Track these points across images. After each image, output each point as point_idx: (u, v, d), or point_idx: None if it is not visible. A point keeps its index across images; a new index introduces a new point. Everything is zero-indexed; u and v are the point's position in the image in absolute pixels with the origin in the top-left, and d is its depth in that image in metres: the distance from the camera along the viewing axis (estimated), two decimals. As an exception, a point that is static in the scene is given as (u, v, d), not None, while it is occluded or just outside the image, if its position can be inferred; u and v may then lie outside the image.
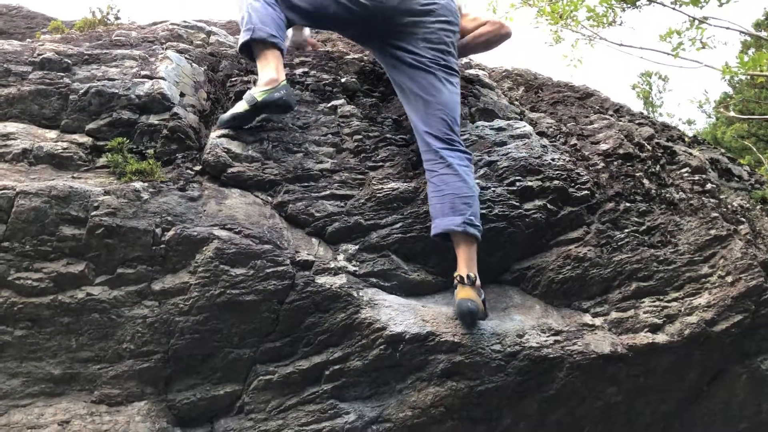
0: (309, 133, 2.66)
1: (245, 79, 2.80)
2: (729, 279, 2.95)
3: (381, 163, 2.68)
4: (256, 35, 2.53)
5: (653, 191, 3.10)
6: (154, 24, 3.26)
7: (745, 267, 2.96)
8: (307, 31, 3.21)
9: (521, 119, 3.13)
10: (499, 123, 2.96)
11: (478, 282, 2.47)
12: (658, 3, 6.85)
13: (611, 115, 3.61)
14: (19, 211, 2.09)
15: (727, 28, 6.63)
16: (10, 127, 2.34)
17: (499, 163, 2.78)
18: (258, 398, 2.30)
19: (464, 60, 3.63)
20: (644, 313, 2.85)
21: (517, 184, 2.74)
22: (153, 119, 2.44)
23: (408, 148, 2.75)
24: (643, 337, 2.79)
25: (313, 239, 2.46)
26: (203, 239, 2.21)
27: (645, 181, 3.12)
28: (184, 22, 3.20)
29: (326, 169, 2.58)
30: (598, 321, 2.78)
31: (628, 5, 7.25)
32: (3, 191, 2.10)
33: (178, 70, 2.64)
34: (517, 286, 2.81)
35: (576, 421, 2.86)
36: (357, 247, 2.50)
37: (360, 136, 2.72)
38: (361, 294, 2.40)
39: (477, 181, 2.70)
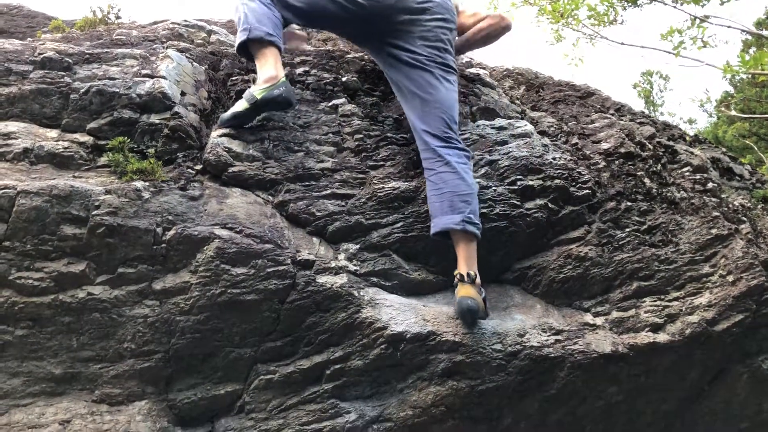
0: (310, 132, 2.66)
1: (246, 78, 2.80)
2: (730, 278, 2.94)
3: (382, 163, 2.68)
4: (253, 34, 2.52)
5: (654, 190, 3.10)
6: (155, 23, 3.26)
7: (747, 266, 2.96)
8: (304, 45, 3.21)
9: (522, 118, 3.13)
10: (500, 122, 2.96)
11: (478, 280, 2.47)
12: (659, 1, 6.85)
13: (612, 114, 3.60)
14: (20, 210, 2.09)
15: (729, 27, 6.63)
16: (11, 126, 2.34)
17: (500, 162, 2.78)
18: (259, 398, 2.30)
19: (465, 59, 3.63)
20: (645, 312, 2.85)
21: (518, 183, 2.74)
22: (154, 118, 2.44)
23: (409, 147, 2.75)
24: (644, 337, 2.79)
25: (314, 238, 2.46)
26: (204, 238, 2.21)
27: (646, 180, 3.12)
28: (185, 21, 3.20)
29: (327, 169, 2.58)
30: (599, 320, 2.78)
31: (629, 4, 7.25)
32: (4, 190, 2.10)
33: (179, 69, 2.64)
34: (518, 286, 2.81)
35: (577, 420, 2.86)
36: (358, 246, 2.50)
37: (361, 136, 2.72)
38: (362, 293, 2.39)
39: (478, 180, 2.69)
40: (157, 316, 2.19)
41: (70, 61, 2.51)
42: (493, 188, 2.72)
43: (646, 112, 4.80)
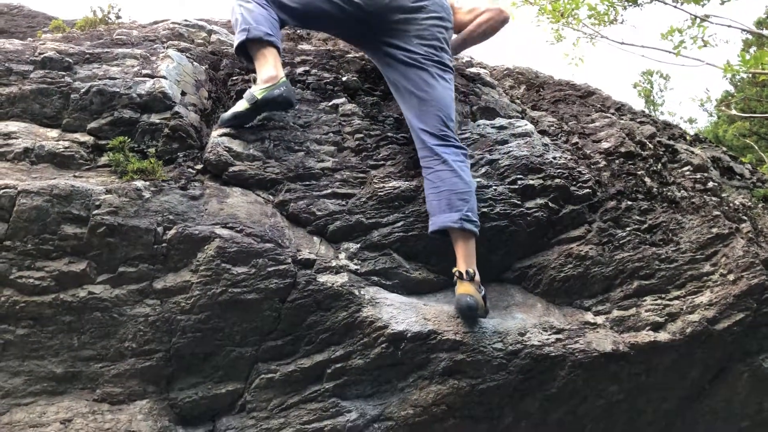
0: (310, 132, 2.66)
1: (246, 77, 2.80)
2: (731, 277, 2.94)
3: (382, 162, 2.68)
4: (251, 35, 2.52)
5: (655, 189, 3.10)
6: (155, 23, 3.26)
7: (747, 265, 2.96)
8: None
9: (522, 118, 3.13)
10: (500, 121, 2.96)
11: (477, 277, 2.47)
12: (659, 1, 6.85)
13: (612, 114, 3.61)
14: (21, 210, 2.09)
15: (729, 26, 6.63)
16: (12, 126, 2.34)
17: (500, 161, 2.78)
18: (260, 397, 2.30)
19: (465, 58, 3.63)
20: (646, 311, 2.85)
21: (519, 182, 2.74)
22: (154, 118, 2.44)
23: (409, 146, 2.75)
24: (645, 336, 2.79)
25: (315, 238, 2.46)
26: (205, 238, 2.21)
27: (646, 179, 3.12)
28: (185, 20, 3.20)
29: (327, 168, 2.58)
30: (599, 319, 2.78)
31: (630, 3, 7.25)
32: (5, 190, 2.10)
33: (180, 69, 2.64)
34: (518, 285, 2.81)
35: (578, 419, 2.86)
36: (358, 245, 2.50)
37: (361, 135, 2.72)
38: (362, 292, 2.40)
39: (479, 179, 2.70)
40: (158, 315, 2.20)
41: (70, 60, 2.51)
42: (494, 187, 2.72)
43: (647, 111, 4.80)
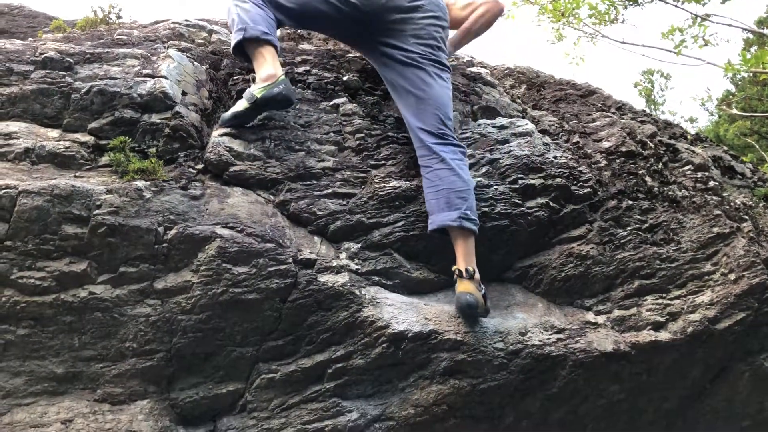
0: (311, 132, 2.66)
1: (247, 77, 2.80)
2: (732, 276, 2.94)
3: (383, 162, 2.68)
4: (249, 34, 2.52)
5: (656, 189, 3.10)
6: (156, 23, 3.26)
7: (748, 264, 2.95)
8: None
9: (523, 117, 3.13)
10: (501, 121, 2.96)
11: (477, 275, 2.47)
12: (660, 0, 6.84)
13: (613, 113, 3.60)
14: (22, 210, 2.09)
15: (730, 26, 6.62)
16: (13, 126, 2.34)
17: (501, 161, 2.78)
18: (260, 397, 2.30)
19: (466, 58, 3.62)
20: (647, 311, 2.85)
21: (520, 182, 2.74)
22: (155, 118, 2.44)
23: (410, 146, 2.74)
24: (646, 335, 2.78)
25: (316, 237, 2.46)
26: (205, 238, 2.21)
27: (647, 178, 3.12)
28: (186, 20, 3.20)
29: (328, 168, 2.58)
30: (600, 319, 2.78)
31: (630, 2, 7.25)
32: (5, 190, 2.10)
33: (180, 69, 2.64)
34: (519, 284, 2.81)
35: (578, 419, 2.86)
36: (359, 245, 2.50)
37: (362, 135, 2.72)
38: (363, 292, 2.40)
39: (479, 179, 2.69)
40: (159, 316, 2.20)
41: (71, 60, 2.51)
42: (495, 187, 2.72)
43: (647, 110, 4.80)
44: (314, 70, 2.92)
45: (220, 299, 2.20)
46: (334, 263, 2.39)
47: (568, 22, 7.43)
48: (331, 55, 3.08)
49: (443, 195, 2.48)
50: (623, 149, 3.17)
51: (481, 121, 2.96)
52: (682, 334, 2.82)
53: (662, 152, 3.42)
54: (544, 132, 3.11)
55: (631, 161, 3.15)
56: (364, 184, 2.59)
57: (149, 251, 2.19)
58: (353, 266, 2.45)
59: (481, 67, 3.59)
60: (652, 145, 3.37)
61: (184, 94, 2.56)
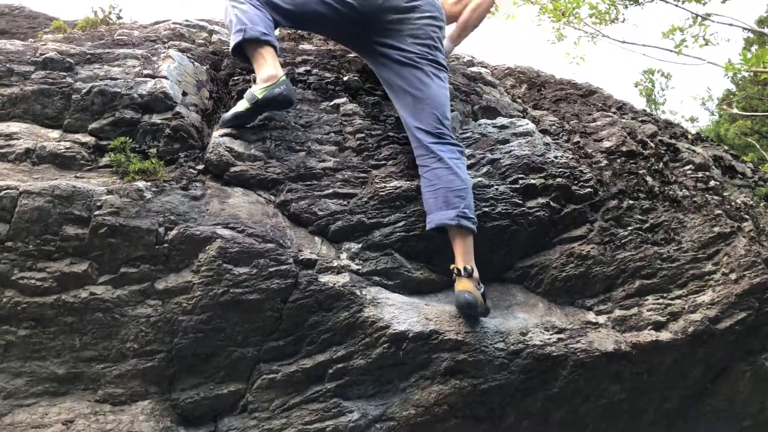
0: (311, 132, 2.66)
1: (247, 77, 2.80)
2: (733, 276, 2.94)
3: (384, 162, 2.68)
4: (248, 35, 2.51)
5: (656, 188, 3.10)
6: (156, 23, 3.26)
7: (749, 264, 2.95)
8: None
9: (524, 117, 3.12)
10: (501, 121, 2.96)
11: (476, 274, 2.47)
12: None
13: (614, 113, 3.60)
14: (23, 210, 2.10)
15: (730, 25, 6.62)
16: (13, 126, 2.34)
17: (501, 161, 2.78)
18: (261, 397, 2.30)
19: (467, 58, 3.62)
20: (648, 310, 2.85)
21: (520, 182, 2.74)
22: (155, 118, 2.44)
23: (410, 146, 2.74)
24: (647, 335, 2.78)
25: (316, 238, 2.46)
26: (206, 238, 2.21)
27: (648, 178, 3.12)
28: (186, 21, 3.20)
29: (329, 168, 2.58)
30: (601, 319, 2.78)
31: (631, 2, 7.25)
32: (6, 191, 2.10)
33: (181, 69, 2.64)
34: (520, 284, 2.81)
35: (579, 419, 2.86)
36: (360, 245, 2.50)
37: (362, 135, 2.72)
38: (364, 292, 2.39)
39: (480, 179, 2.69)
40: (160, 316, 2.20)
41: (71, 61, 2.51)
42: (495, 187, 2.71)
43: (648, 110, 4.80)
44: (315, 70, 2.92)
45: (220, 300, 2.20)
46: (335, 263, 2.39)
47: (569, 22, 7.43)
48: (332, 55, 3.08)
49: (441, 194, 2.48)
50: (624, 149, 3.17)
51: (482, 120, 2.95)
52: (683, 334, 2.82)
53: (663, 152, 3.42)
54: (544, 132, 3.11)
55: (631, 161, 3.15)
56: (365, 184, 2.59)
57: (150, 252, 2.19)
58: (354, 266, 2.45)
59: (482, 66, 3.59)
60: (652, 144, 3.37)
61: (184, 94, 2.56)
